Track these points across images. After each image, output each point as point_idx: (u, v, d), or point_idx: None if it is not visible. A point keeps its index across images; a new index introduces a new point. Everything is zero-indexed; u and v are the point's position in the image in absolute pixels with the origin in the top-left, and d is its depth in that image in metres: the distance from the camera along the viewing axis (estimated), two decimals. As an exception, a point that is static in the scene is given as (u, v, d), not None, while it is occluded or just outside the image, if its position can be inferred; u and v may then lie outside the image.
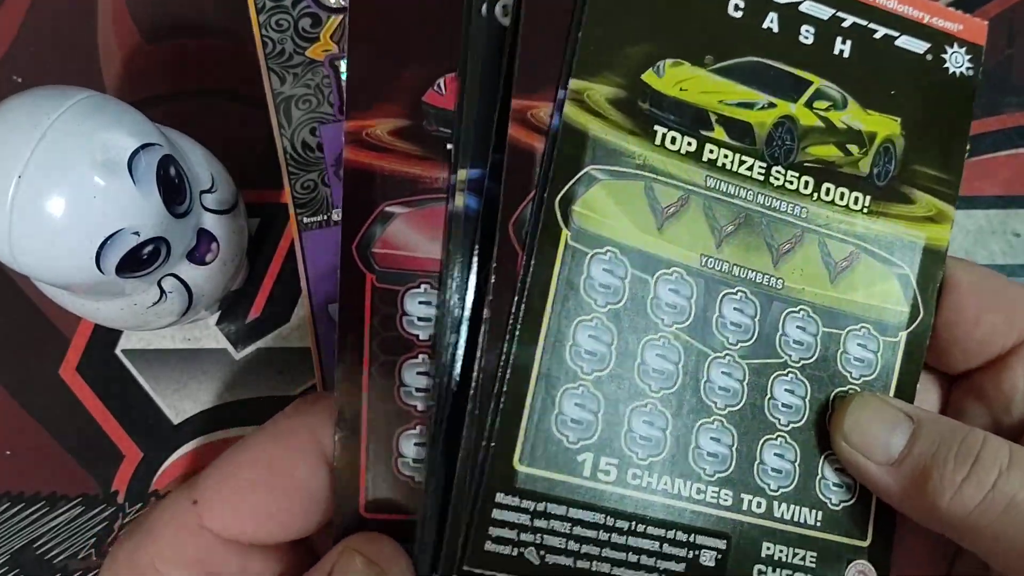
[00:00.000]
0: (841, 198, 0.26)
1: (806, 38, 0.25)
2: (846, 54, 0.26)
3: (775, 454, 0.25)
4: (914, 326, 0.26)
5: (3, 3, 0.40)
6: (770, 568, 0.25)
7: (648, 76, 0.24)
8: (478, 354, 0.22)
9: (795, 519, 0.25)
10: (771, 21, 0.25)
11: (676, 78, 0.24)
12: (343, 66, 0.38)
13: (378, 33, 0.23)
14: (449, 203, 0.23)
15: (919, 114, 0.26)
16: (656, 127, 0.24)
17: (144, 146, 0.28)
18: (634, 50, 0.24)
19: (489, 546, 0.22)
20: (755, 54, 0.25)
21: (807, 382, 0.25)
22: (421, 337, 0.23)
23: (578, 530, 0.23)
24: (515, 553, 0.22)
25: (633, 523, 0.23)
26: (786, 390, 0.25)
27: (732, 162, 0.25)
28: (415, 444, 0.23)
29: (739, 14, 0.25)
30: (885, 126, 0.26)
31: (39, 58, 0.40)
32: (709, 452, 0.24)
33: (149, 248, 0.29)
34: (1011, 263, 0.39)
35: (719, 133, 0.24)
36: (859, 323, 0.26)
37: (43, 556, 0.39)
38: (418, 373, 0.23)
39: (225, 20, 0.40)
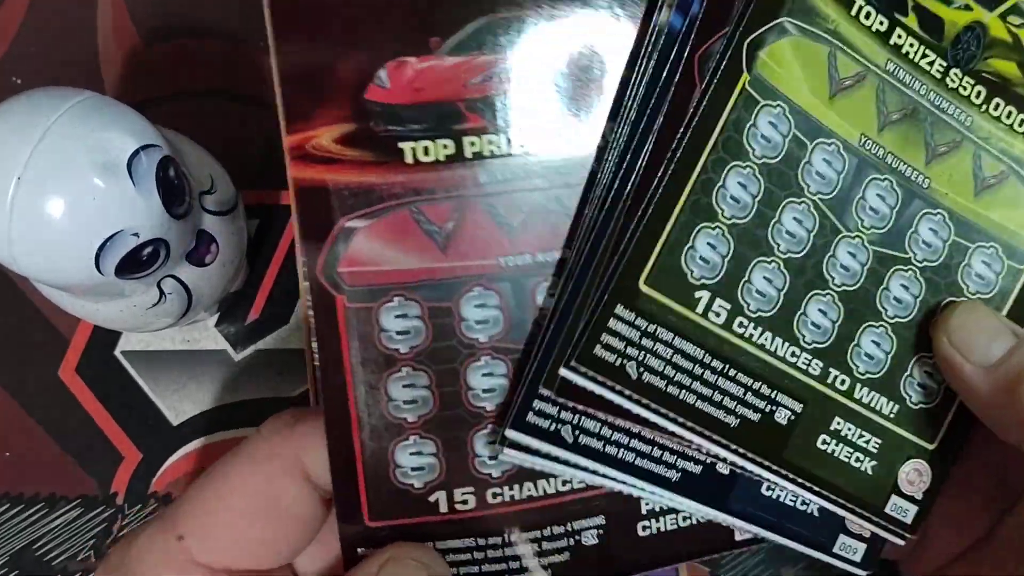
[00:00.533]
0: (1008, 116, 0.26)
1: None
2: None
3: (872, 341, 0.25)
4: None
5: (2, 4, 0.40)
6: (835, 441, 0.25)
7: None
8: (636, 169, 0.23)
9: (872, 405, 0.26)
10: None
11: None
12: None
13: (302, 25, 0.22)
14: (656, 15, 0.23)
15: None
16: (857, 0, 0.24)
17: (144, 147, 0.28)
18: None
19: (598, 350, 0.23)
20: None
21: (924, 283, 0.25)
22: (402, 351, 0.23)
23: (678, 359, 0.23)
24: (618, 363, 0.23)
25: (727, 366, 0.24)
26: (902, 285, 0.25)
27: (916, 52, 0.25)
28: (411, 454, 0.23)
29: None
30: None
31: (38, 59, 0.40)
32: (813, 322, 0.25)
33: (148, 249, 0.29)
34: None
35: (911, 20, 0.24)
36: (990, 241, 0.26)
37: (42, 557, 0.38)
38: (404, 386, 0.23)
39: (224, 21, 0.40)
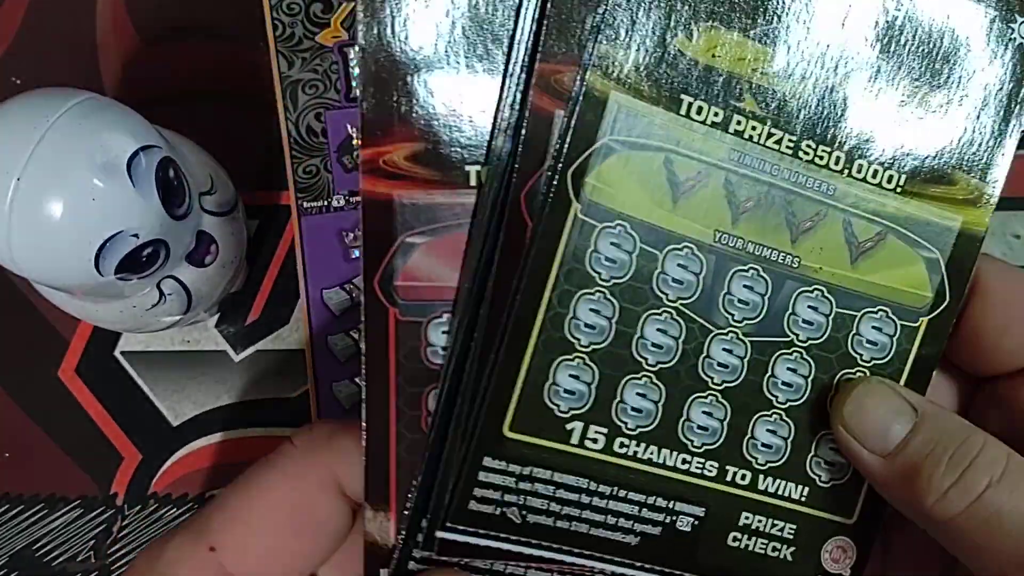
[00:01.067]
0: (874, 176, 0.24)
1: None
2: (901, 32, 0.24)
3: (768, 430, 0.25)
4: (937, 312, 0.25)
5: (2, 4, 0.40)
6: (745, 536, 0.25)
7: (680, 41, 0.22)
8: (478, 321, 0.22)
9: (779, 492, 0.25)
10: None
11: (709, 44, 0.23)
12: (353, 62, 0.38)
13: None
14: (491, 142, 0.23)
15: (978, 89, 0.24)
16: (683, 96, 0.23)
17: (143, 148, 0.28)
18: (665, 11, 0.22)
19: (473, 505, 0.23)
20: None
21: (812, 362, 0.25)
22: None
23: (561, 493, 0.23)
24: (498, 512, 0.23)
25: (615, 488, 0.24)
26: (788, 368, 0.25)
27: (760, 135, 0.23)
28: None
29: None
30: None
31: (38, 60, 0.40)
32: (700, 425, 0.24)
33: (148, 250, 0.29)
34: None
35: (750, 104, 0.23)
36: (877, 306, 0.25)
37: (42, 558, 0.38)
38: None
39: (224, 22, 0.40)
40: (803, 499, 0.25)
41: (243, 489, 0.23)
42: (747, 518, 0.25)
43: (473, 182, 0.22)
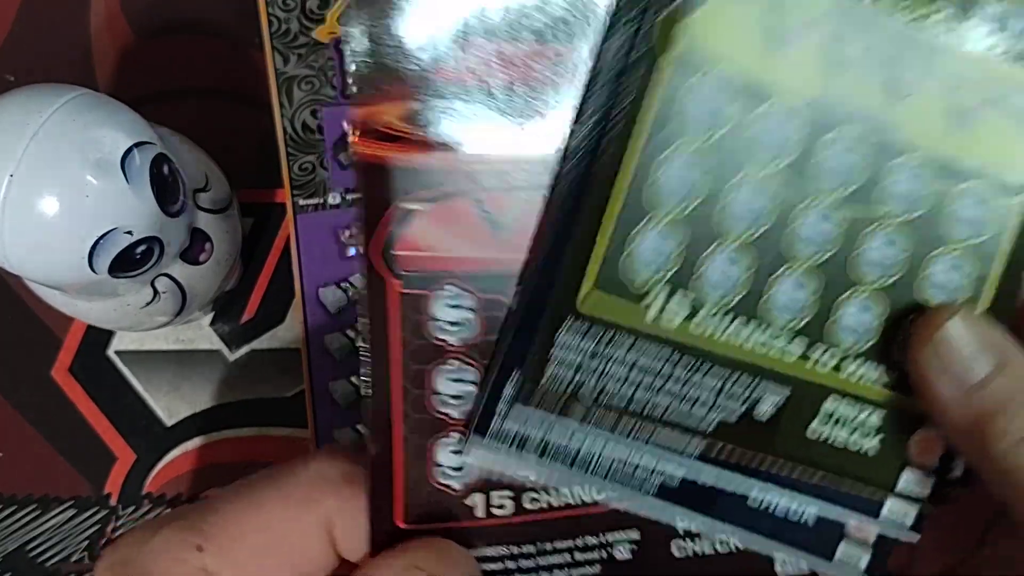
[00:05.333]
0: (988, 40, 0.22)
1: None
2: None
3: (857, 309, 0.23)
4: None
5: (-5, 1, 0.40)
6: (831, 423, 0.24)
7: None
8: (564, 169, 0.21)
9: (866, 377, 0.24)
10: None
11: None
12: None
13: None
14: None
15: None
16: None
17: (137, 144, 0.28)
18: None
19: (549, 369, 0.22)
20: None
21: (907, 238, 0.23)
22: (451, 343, 0.22)
23: (643, 360, 0.22)
24: (570, 391, 0.22)
25: (699, 360, 0.22)
26: (882, 243, 0.23)
27: None
28: (452, 452, 0.22)
29: None
30: None
31: (32, 56, 0.40)
32: (787, 300, 0.23)
33: (142, 248, 0.29)
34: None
35: None
36: (977, 178, 0.23)
37: (35, 559, 0.38)
38: (450, 380, 0.22)
39: (218, 18, 0.40)
40: (891, 384, 0.24)
41: (242, 499, 0.23)
42: (833, 402, 0.23)
43: None
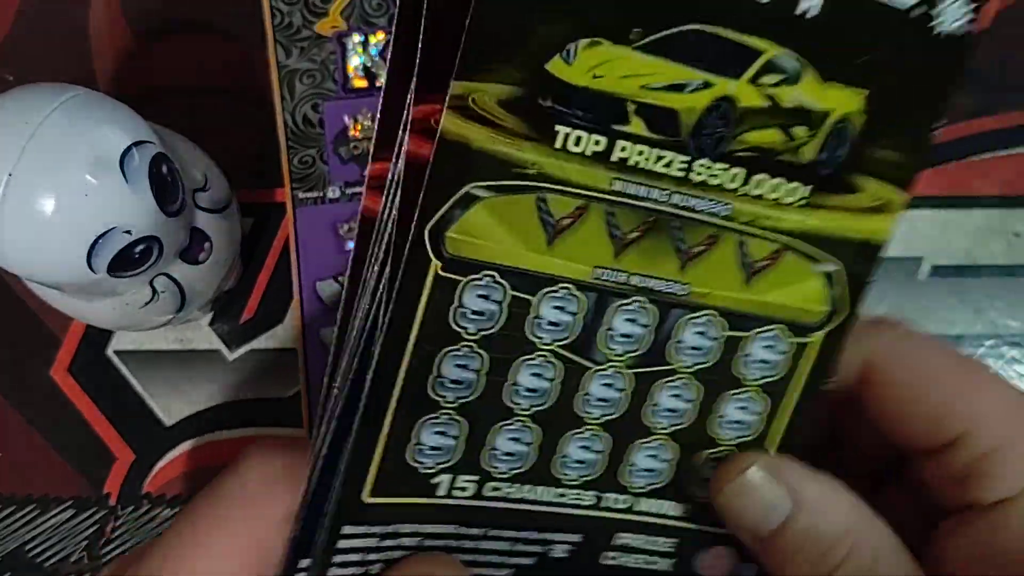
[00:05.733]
0: (773, 191, 0.22)
1: None
2: (812, 12, 0.21)
3: (648, 455, 0.24)
4: (832, 325, 0.24)
5: (-6, 0, 0.40)
6: (625, 552, 0.24)
7: (554, 64, 0.20)
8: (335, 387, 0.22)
9: (658, 512, 0.24)
10: None
11: (589, 62, 0.20)
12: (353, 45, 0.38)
13: None
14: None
15: (891, 86, 0.22)
16: (558, 127, 0.20)
17: (136, 144, 0.28)
18: (540, 33, 0.19)
19: (334, 571, 0.22)
20: (696, 21, 0.20)
21: (699, 386, 0.24)
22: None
23: (428, 542, 0.23)
24: (361, 572, 0.22)
25: (486, 530, 0.23)
26: (672, 395, 0.24)
27: (647, 159, 0.21)
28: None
29: None
30: (845, 102, 0.22)
31: (31, 55, 0.40)
32: (576, 460, 0.23)
33: (141, 247, 0.29)
34: (1011, 263, 0.39)
35: (636, 126, 0.21)
36: (770, 324, 0.23)
37: (34, 559, 0.38)
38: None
39: (219, 17, 0.40)
40: (682, 515, 0.25)
41: (185, 534, 0.22)
42: (623, 537, 0.24)
43: (558, 144, 0.21)
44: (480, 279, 0.21)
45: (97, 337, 0.39)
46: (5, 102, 0.27)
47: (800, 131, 0.22)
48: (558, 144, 0.20)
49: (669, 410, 0.24)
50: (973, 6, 0.22)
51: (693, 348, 0.23)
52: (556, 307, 0.22)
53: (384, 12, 0.38)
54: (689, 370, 0.23)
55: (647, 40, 0.20)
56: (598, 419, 0.23)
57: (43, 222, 0.26)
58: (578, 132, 0.20)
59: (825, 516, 0.23)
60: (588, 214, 0.21)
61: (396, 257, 0.20)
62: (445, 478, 0.22)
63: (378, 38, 0.38)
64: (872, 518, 0.23)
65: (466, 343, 0.21)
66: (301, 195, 0.37)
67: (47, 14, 0.40)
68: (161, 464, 0.39)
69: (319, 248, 0.38)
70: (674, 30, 0.20)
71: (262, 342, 0.39)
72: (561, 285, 0.22)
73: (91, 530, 0.38)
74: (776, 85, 0.21)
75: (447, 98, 0.19)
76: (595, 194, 0.21)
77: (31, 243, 0.26)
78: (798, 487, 0.23)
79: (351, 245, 0.37)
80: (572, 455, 0.23)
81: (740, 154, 0.22)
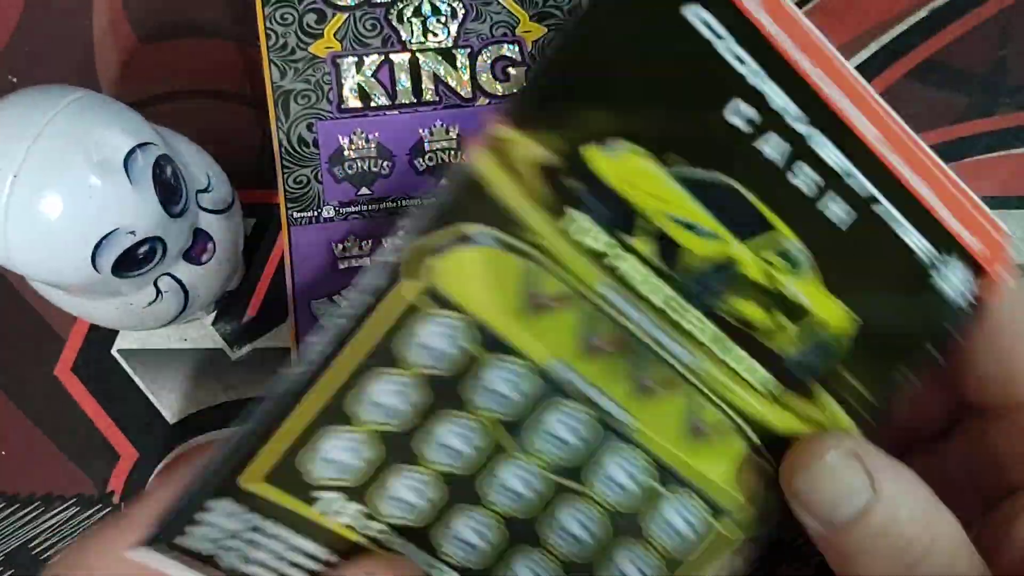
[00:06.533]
0: (742, 367, 0.22)
1: (800, 181, 0.21)
2: (836, 218, 0.21)
3: (529, 569, 0.23)
4: (753, 535, 0.23)
5: (-2, 2, 0.40)
6: None
7: (592, 152, 0.20)
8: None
9: None
10: (770, 145, 0.20)
11: (624, 165, 0.20)
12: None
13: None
14: None
15: (883, 327, 0.22)
16: (571, 210, 0.20)
17: (140, 145, 0.28)
18: (587, 118, 0.20)
19: (184, 540, 0.20)
20: (730, 173, 0.20)
21: (605, 523, 0.22)
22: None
23: (289, 554, 0.21)
24: (211, 552, 0.21)
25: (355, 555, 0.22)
26: (578, 520, 0.22)
27: (638, 279, 0.21)
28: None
29: (736, 120, 0.20)
30: (839, 320, 0.22)
31: (35, 57, 0.40)
32: (464, 540, 0.22)
33: (145, 248, 0.29)
34: (1007, 263, 0.39)
35: (640, 244, 0.21)
36: (692, 493, 0.22)
37: (38, 556, 0.38)
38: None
39: (222, 20, 0.40)
40: None
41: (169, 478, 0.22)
42: None
43: (566, 225, 0.20)
44: (444, 317, 0.20)
45: (101, 336, 0.39)
46: (9, 104, 0.27)
47: (787, 323, 0.22)
48: (566, 225, 0.20)
49: (568, 533, 0.22)
50: (976, 282, 0.22)
51: (615, 482, 0.22)
52: (506, 379, 0.21)
53: (378, 33, 0.38)
54: (602, 503, 0.22)
55: (681, 170, 0.20)
56: (500, 508, 0.22)
57: (48, 223, 0.26)
58: (587, 223, 0.20)
59: (906, 508, 0.22)
60: (568, 305, 0.21)
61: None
62: (332, 496, 0.21)
63: (372, 59, 0.38)
64: (947, 512, 0.22)
65: (404, 373, 0.21)
66: (296, 215, 0.37)
67: (51, 16, 0.40)
68: (164, 462, 0.39)
69: (314, 268, 0.38)
70: (705, 174, 0.20)
71: (265, 341, 0.39)
72: (519, 360, 0.21)
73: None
74: (779, 268, 0.21)
75: (487, 137, 0.19)
76: (582, 288, 0.21)
77: (36, 244, 0.27)
78: (878, 475, 0.22)
79: (345, 265, 0.37)
80: (460, 533, 0.22)
81: (724, 317, 0.21)
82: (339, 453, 0.21)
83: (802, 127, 0.20)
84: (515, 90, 0.20)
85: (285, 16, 0.38)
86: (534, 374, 0.21)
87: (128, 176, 0.27)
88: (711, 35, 0.19)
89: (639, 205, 0.20)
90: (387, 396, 0.21)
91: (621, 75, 0.20)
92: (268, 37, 0.38)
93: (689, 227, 0.21)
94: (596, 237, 0.20)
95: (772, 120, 0.20)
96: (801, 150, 0.20)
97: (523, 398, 0.21)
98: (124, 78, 0.40)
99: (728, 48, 0.20)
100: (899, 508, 0.21)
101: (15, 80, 0.40)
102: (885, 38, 0.42)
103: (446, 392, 0.21)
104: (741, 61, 0.20)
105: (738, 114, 0.20)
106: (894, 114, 0.21)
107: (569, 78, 0.19)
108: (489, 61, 0.39)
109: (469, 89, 0.38)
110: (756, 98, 0.20)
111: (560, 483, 0.22)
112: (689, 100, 0.20)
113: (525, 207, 0.20)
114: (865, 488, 0.21)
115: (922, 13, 0.42)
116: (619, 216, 0.20)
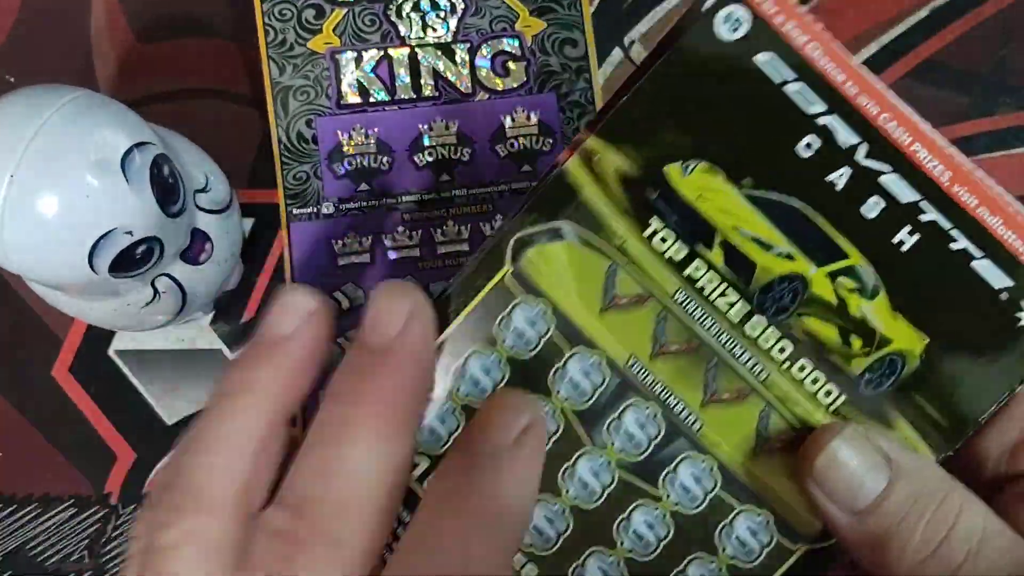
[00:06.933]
0: (813, 383, 0.22)
1: (869, 211, 0.22)
2: (905, 247, 0.22)
3: (599, 568, 0.23)
4: (820, 545, 0.23)
5: (-4, 1, 0.40)
6: None
7: (672, 169, 0.22)
8: None
9: None
10: (839, 176, 0.22)
11: (700, 183, 0.22)
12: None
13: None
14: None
15: (957, 348, 0.22)
16: (652, 220, 0.22)
17: (137, 145, 0.28)
18: (668, 138, 0.22)
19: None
20: (802, 199, 0.22)
21: (672, 528, 0.23)
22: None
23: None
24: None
25: None
26: (646, 521, 0.23)
27: (714, 290, 0.22)
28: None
29: (808, 153, 0.22)
30: (907, 339, 0.22)
31: (32, 57, 0.40)
32: (536, 527, 0.23)
33: (142, 248, 0.29)
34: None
35: (716, 257, 0.22)
36: (761, 508, 0.23)
37: (36, 558, 0.38)
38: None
39: (219, 19, 0.40)
40: None
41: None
42: None
43: (647, 233, 0.22)
44: (534, 304, 0.22)
45: (98, 337, 0.39)
46: (7, 103, 0.27)
47: (857, 343, 0.22)
48: (647, 232, 0.22)
49: (637, 535, 0.23)
50: None
51: (684, 487, 0.23)
52: (583, 370, 0.23)
53: (377, 29, 0.38)
54: (672, 506, 0.23)
55: (755, 192, 0.22)
56: (572, 500, 0.23)
57: (45, 223, 0.26)
58: (667, 232, 0.22)
59: (930, 480, 0.21)
60: (644, 306, 0.22)
61: (485, 248, 0.22)
62: (424, 461, 0.23)
63: (371, 54, 0.38)
64: (962, 486, 0.22)
65: (497, 352, 0.22)
66: (295, 211, 0.37)
67: (48, 16, 0.40)
68: (162, 463, 0.39)
69: (314, 264, 0.38)
70: (778, 197, 0.22)
71: (263, 342, 0.39)
72: (596, 353, 0.22)
73: (92, 529, 0.39)
74: (850, 291, 0.22)
75: (578, 147, 0.22)
76: (658, 293, 0.22)
77: (33, 244, 0.27)
78: (893, 453, 0.22)
79: (345, 261, 0.37)
80: (535, 521, 0.23)
81: (795, 333, 0.22)
82: (432, 418, 0.23)
83: (873, 163, 0.22)
84: (605, 104, 0.22)
85: (283, 12, 0.38)
86: (611, 369, 0.23)
87: (125, 176, 0.27)
88: (782, 79, 0.21)
89: (713, 220, 0.22)
90: (479, 372, 0.23)
91: (704, 108, 0.22)
92: (267, 33, 0.38)
93: (763, 245, 0.22)
94: (674, 246, 0.22)
95: (843, 156, 0.22)
96: (871, 184, 0.22)
97: (599, 391, 0.23)
98: (122, 77, 0.40)
99: (799, 92, 0.21)
100: (919, 483, 0.21)
101: (12, 79, 0.40)
102: (885, 38, 0.42)
103: (530, 377, 0.23)
104: (811, 103, 0.21)
105: (810, 149, 0.22)
106: (957, 151, 0.22)
107: (657, 104, 0.22)
108: (489, 56, 0.39)
109: (468, 84, 0.38)
110: (826, 135, 0.21)
111: (630, 483, 0.23)
112: (764, 135, 0.22)
113: (611, 212, 0.22)
114: (883, 466, 0.21)
115: (922, 13, 0.42)
116: (695, 229, 0.22)
